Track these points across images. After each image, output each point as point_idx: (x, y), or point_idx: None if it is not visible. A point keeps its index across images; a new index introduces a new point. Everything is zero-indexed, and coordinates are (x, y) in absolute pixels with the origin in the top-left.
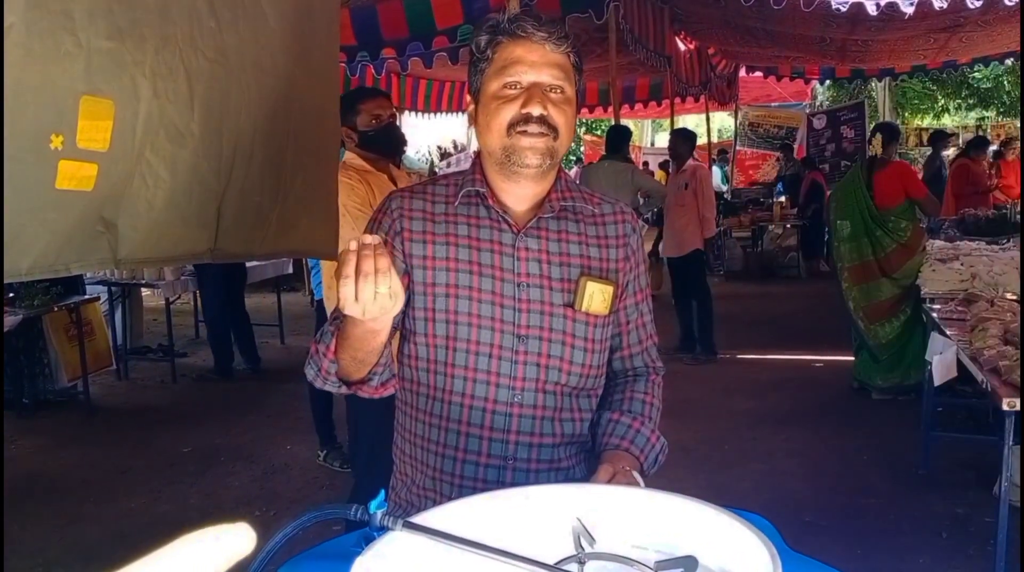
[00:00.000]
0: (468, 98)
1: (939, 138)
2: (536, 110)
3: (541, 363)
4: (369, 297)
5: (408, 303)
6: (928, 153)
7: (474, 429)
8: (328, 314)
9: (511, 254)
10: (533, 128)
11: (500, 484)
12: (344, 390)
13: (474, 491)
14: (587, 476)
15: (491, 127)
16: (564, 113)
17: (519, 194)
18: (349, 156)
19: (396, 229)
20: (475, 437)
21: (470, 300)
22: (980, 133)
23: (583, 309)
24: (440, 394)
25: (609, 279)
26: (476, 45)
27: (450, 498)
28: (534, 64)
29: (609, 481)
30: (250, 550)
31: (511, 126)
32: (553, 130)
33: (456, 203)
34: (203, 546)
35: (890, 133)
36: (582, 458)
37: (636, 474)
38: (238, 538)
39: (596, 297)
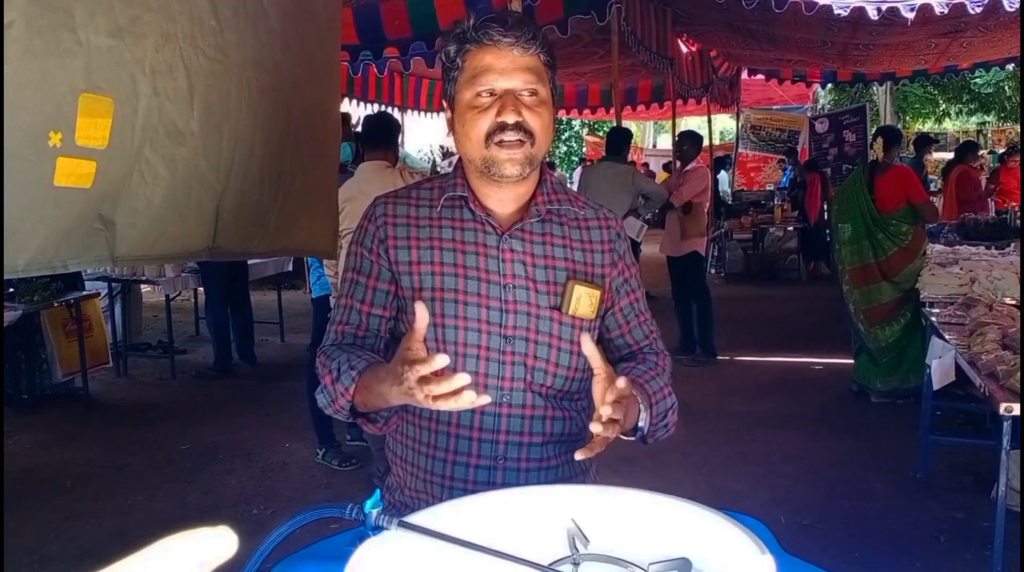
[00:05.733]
0: (444, 104)
1: (923, 142)
2: (511, 118)
3: (528, 364)
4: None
5: (400, 309)
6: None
7: (464, 430)
8: (332, 311)
9: (496, 256)
10: (510, 136)
11: (491, 485)
12: (350, 420)
13: (464, 492)
14: (578, 474)
15: (469, 137)
16: (539, 116)
17: (501, 198)
18: None
19: (381, 236)
20: (465, 438)
21: (456, 303)
22: (981, 138)
23: (570, 312)
24: None
25: (596, 283)
26: (446, 54)
27: (441, 500)
28: (504, 71)
29: (624, 388)
30: (231, 554)
31: (488, 136)
32: (530, 135)
33: (439, 207)
34: (181, 550)
35: (892, 137)
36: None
37: (642, 409)
38: (218, 541)
39: (584, 301)
